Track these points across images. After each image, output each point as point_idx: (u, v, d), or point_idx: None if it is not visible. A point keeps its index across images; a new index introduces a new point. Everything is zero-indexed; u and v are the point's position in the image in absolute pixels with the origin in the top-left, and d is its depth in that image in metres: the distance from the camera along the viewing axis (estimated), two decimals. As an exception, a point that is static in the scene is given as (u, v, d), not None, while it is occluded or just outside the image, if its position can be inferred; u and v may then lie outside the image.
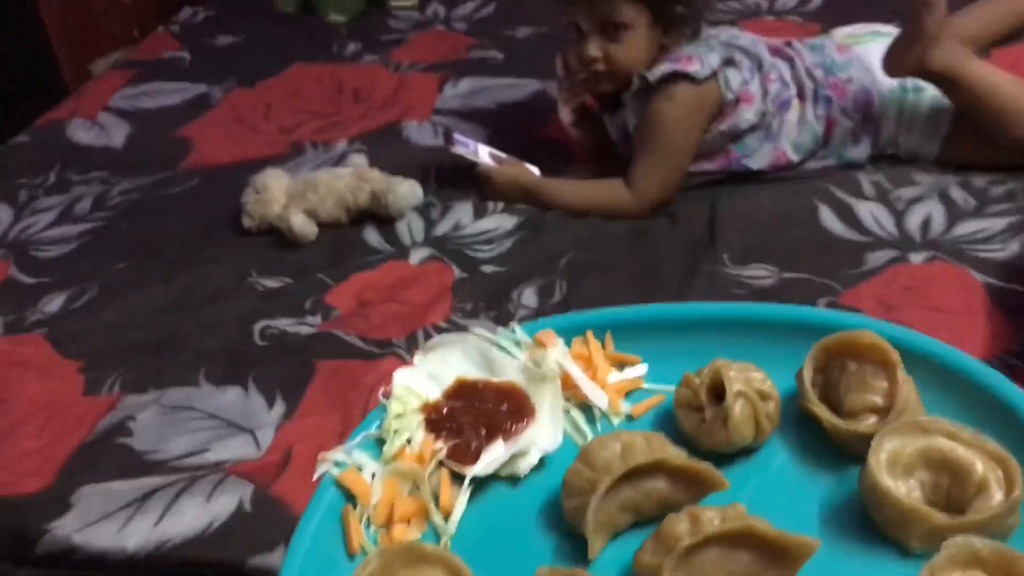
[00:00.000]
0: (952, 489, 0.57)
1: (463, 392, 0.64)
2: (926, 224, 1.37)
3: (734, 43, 1.46)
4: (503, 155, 1.56)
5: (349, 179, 1.53)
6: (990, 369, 0.64)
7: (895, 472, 0.56)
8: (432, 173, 1.61)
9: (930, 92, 1.47)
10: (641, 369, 0.70)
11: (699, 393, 0.63)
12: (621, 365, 0.70)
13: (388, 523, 0.64)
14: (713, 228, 1.40)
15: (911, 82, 1.48)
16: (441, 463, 0.66)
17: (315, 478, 0.67)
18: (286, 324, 1.32)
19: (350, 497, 0.66)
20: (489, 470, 0.65)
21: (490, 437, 0.62)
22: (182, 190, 1.68)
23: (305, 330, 1.30)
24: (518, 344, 0.69)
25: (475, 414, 0.63)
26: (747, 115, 1.45)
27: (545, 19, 2.10)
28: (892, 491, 0.56)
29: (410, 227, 1.50)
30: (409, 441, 0.67)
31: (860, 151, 1.50)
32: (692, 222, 1.43)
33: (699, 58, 1.42)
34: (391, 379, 0.67)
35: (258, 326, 1.32)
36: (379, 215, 1.51)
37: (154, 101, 2.00)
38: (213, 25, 2.31)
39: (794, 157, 1.49)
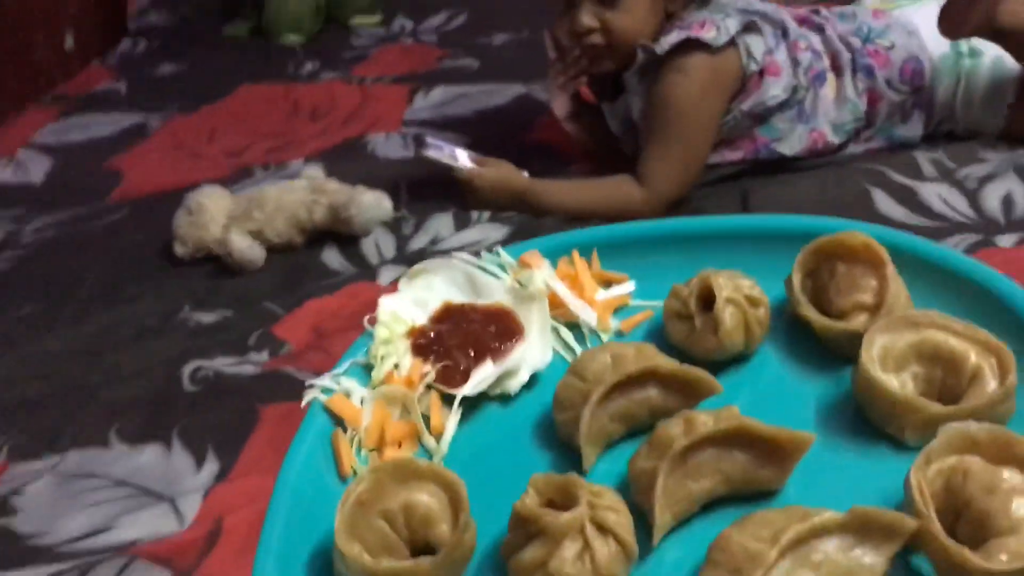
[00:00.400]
0: (946, 380, 0.57)
1: (450, 315, 0.63)
2: (1008, 203, 1.12)
3: (752, 8, 1.23)
4: (485, 158, 1.30)
5: (302, 193, 1.27)
6: (978, 263, 0.63)
7: (888, 367, 0.56)
8: (403, 186, 1.36)
9: (989, 57, 1.24)
10: (628, 286, 0.68)
11: (688, 302, 0.62)
12: (608, 283, 0.68)
13: (379, 446, 0.63)
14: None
15: (966, 46, 1.25)
16: (430, 386, 0.64)
17: (303, 405, 0.68)
18: (224, 364, 1.04)
19: (340, 423, 0.66)
20: (479, 390, 0.63)
21: (479, 358, 0.61)
22: (106, 223, 1.42)
23: (248, 370, 1.03)
24: (503, 267, 0.67)
25: (463, 336, 0.62)
26: (774, 90, 1.21)
27: (524, 23, 1.88)
28: (886, 384, 0.56)
29: (378, 244, 1.24)
30: (397, 366, 0.65)
31: (912, 128, 1.26)
32: (722, 212, 1.18)
33: (714, 23, 1.18)
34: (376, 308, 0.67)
35: (188, 368, 1.04)
36: (340, 233, 1.25)
37: (83, 134, 1.75)
38: (153, 55, 2.08)
39: (834, 139, 1.25)
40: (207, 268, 1.24)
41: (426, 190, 1.34)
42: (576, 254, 0.70)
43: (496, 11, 1.97)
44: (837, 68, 1.25)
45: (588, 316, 0.66)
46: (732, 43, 1.18)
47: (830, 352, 0.62)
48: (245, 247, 1.21)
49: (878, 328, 0.57)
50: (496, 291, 0.65)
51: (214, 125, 1.70)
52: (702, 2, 1.22)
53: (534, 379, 0.66)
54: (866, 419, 0.59)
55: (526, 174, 1.29)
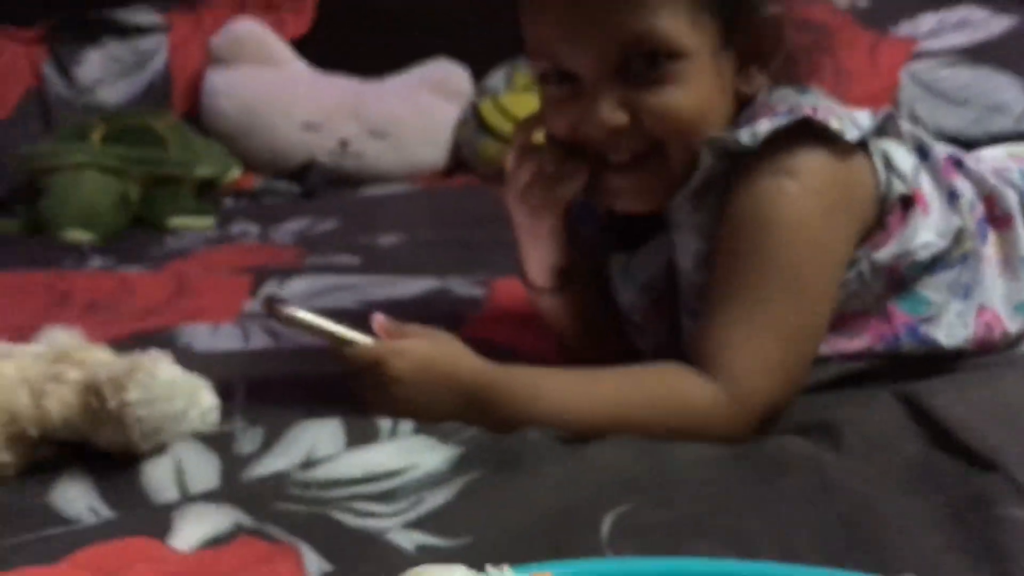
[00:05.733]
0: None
1: None
2: None
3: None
4: (403, 325, 0.70)
5: (32, 361, 0.62)
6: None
7: None
8: (240, 384, 0.72)
9: None
10: None
11: None
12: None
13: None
14: (951, 439, 0.58)
15: None
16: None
17: None
18: None
19: None
20: None
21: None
22: None
23: None
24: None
25: None
26: (926, 234, 0.70)
27: (423, 227, 1.36)
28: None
29: (181, 469, 0.58)
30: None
31: None
32: (879, 433, 0.60)
33: (831, 111, 0.68)
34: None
35: None
36: (102, 444, 0.59)
37: None
38: None
39: (1011, 326, 0.74)
40: None
41: (284, 389, 0.71)
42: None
43: (378, 217, 1.45)
44: (999, 220, 0.76)
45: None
46: (863, 147, 0.69)
47: None
48: None
49: None
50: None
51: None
52: (797, 86, 0.73)
53: None
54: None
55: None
